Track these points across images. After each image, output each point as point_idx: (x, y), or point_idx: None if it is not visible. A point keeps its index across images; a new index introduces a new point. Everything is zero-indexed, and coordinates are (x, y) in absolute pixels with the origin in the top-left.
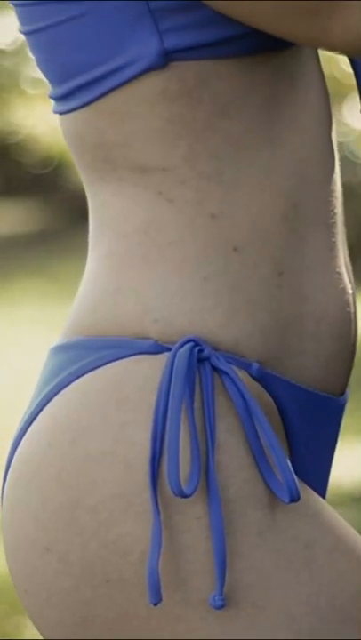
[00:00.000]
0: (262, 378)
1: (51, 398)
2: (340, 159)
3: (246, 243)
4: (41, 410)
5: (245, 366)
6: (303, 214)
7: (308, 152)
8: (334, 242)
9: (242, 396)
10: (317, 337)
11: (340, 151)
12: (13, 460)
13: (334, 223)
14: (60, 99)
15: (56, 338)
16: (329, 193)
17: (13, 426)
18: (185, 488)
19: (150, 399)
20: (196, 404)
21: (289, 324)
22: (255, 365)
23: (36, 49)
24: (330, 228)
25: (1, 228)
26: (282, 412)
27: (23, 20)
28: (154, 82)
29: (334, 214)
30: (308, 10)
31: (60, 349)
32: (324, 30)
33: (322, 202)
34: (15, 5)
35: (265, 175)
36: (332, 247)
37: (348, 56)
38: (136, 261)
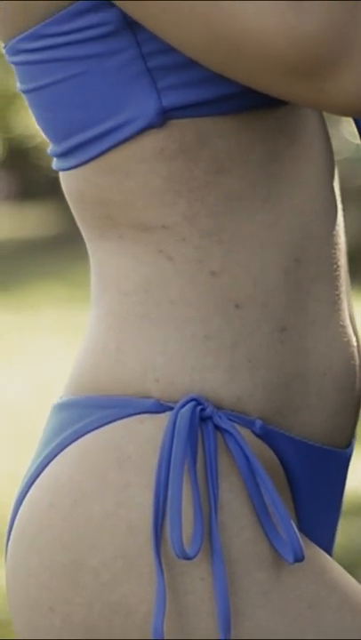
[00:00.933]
0: (266, 435)
1: (53, 457)
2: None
3: (248, 300)
4: (43, 469)
5: (248, 424)
6: (306, 269)
7: (310, 207)
8: (338, 294)
9: (245, 455)
10: (321, 391)
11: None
12: (16, 519)
13: (338, 276)
14: (60, 156)
15: (76, 342)
16: (332, 246)
17: (32, 433)
18: (188, 550)
19: (152, 460)
20: (199, 464)
21: (292, 379)
22: (258, 423)
23: (36, 107)
24: (333, 281)
25: (21, 231)
26: (286, 467)
27: (22, 78)
28: (153, 140)
29: (338, 267)
30: (304, 72)
31: (62, 407)
32: (320, 92)
33: (325, 255)
34: (14, 64)
35: (266, 231)
36: (335, 300)
37: (343, 116)
38: (136, 320)
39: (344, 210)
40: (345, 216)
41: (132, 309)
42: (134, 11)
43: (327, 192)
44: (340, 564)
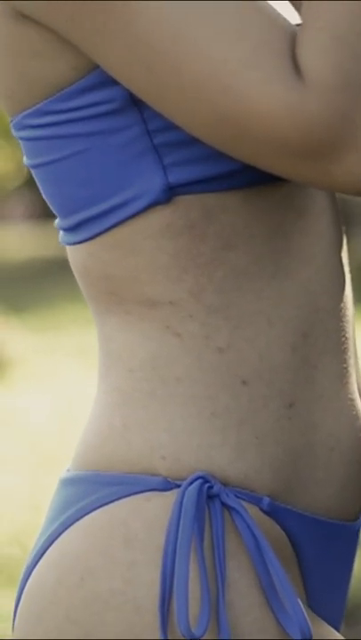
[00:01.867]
0: (273, 511)
1: (59, 534)
2: None
3: (255, 376)
4: (50, 544)
5: (256, 501)
6: (313, 343)
7: (317, 281)
8: (346, 367)
9: (252, 533)
10: (330, 465)
11: None
12: (23, 594)
13: (346, 348)
14: (66, 230)
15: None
16: (340, 319)
17: (54, 460)
18: (195, 630)
19: (159, 538)
20: (206, 542)
21: (300, 454)
22: (266, 500)
23: (42, 182)
24: (341, 354)
25: (44, 251)
26: (294, 543)
27: (28, 153)
28: (158, 216)
29: (346, 340)
30: (309, 154)
31: (69, 482)
32: (326, 173)
33: (333, 329)
34: (20, 139)
35: (273, 307)
36: (343, 374)
37: (349, 195)
38: (142, 398)
39: (350, 232)
40: (352, 238)
41: (138, 386)
42: (138, 91)
43: (335, 264)
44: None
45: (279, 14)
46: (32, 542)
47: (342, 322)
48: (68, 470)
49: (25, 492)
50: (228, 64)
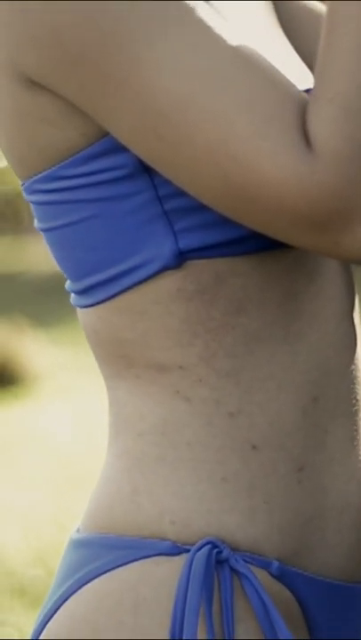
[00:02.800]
0: (283, 575)
1: (68, 596)
2: None
3: (265, 441)
4: (59, 607)
5: (265, 565)
6: (324, 407)
7: (329, 344)
8: (356, 429)
9: (260, 598)
10: (340, 528)
11: None
12: None
13: (357, 410)
14: (77, 293)
15: None
16: (351, 381)
17: (78, 477)
18: None
19: (167, 603)
20: (215, 607)
21: (310, 518)
22: (275, 564)
23: (52, 246)
24: (352, 416)
25: None
26: (304, 606)
27: (39, 217)
28: (169, 281)
29: (357, 401)
30: (318, 224)
31: (79, 544)
32: (335, 243)
33: (343, 392)
34: (31, 202)
35: (284, 371)
36: (354, 436)
37: (358, 264)
38: (152, 462)
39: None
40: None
41: (148, 451)
42: (148, 158)
43: (346, 326)
44: None
45: (290, 83)
46: (56, 563)
47: (353, 383)
48: (78, 531)
49: (50, 510)
50: (238, 134)
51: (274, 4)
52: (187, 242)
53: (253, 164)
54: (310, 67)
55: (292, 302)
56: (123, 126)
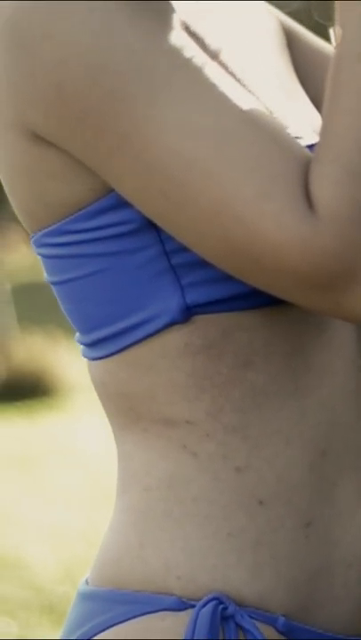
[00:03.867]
0: (289, 631)
1: None
2: None
3: (272, 496)
4: None
5: (271, 621)
6: (332, 461)
7: (338, 397)
8: None
9: None
10: (347, 582)
11: None
12: None
13: None
14: (85, 345)
15: None
16: (359, 432)
17: (108, 493)
18: None
19: None
20: None
21: (317, 573)
22: (281, 619)
23: (61, 299)
24: (360, 469)
25: None
26: None
27: (47, 270)
28: (176, 336)
29: None
30: (319, 286)
31: (86, 597)
32: (336, 304)
33: (352, 444)
34: (39, 255)
35: (292, 425)
36: None
37: (359, 324)
38: (158, 517)
39: None
40: None
41: (155, 506)
42: (153, 215)
43: (356, 377)
44: None
45: (295, 141)
46: None
47: None
48: (87, 583)
49: (79, 525)
50: (241, 194)
51: (289, 47)
52: (194, 297)
53: (256, 226)
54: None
55: (301, 355)
56: (126, 184)
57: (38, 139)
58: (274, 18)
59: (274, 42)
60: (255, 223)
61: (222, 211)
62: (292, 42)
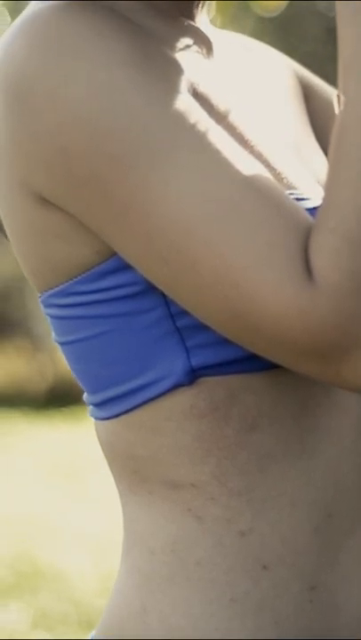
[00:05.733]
0: None
1: None
2: None
3: (276, 560)
4: None
5: None
6: (338, 524)
7: (345, 460)
8: None
9: None
10: None
11: None
12: None
13: None
14: (93, 405)
15: None
16: None
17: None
18: None
19: None
20: None
21: (321, 637)
22: None
23: (68, 359)
24: None
25: None
26: None
27: (55, 330)
28: (181, 398)
29: None
30: (319, 355)
31: None
32: (336, 373)
33: (357, 507)
34: (47, 315)
35: (298, 489)
36: None
37: (359, 393)
38: (162, 581)
39: None
40: None
41: (158, 569)
42: (154, 280)
43: None
44: None
45: (298, 208)
46: None
47: None
48: (95, 635)
49: (120, 538)
50: (241, 263)
51: (305, 98)
52: (199, 359)
53: (255, 295)
54: None
55: (308, 417)
56: (128, 248)
57: (43, 200)
58: (290, 69)
59: (289, 94)
60: (254, 292)
61: (222, 278)
62: (308, 93)
